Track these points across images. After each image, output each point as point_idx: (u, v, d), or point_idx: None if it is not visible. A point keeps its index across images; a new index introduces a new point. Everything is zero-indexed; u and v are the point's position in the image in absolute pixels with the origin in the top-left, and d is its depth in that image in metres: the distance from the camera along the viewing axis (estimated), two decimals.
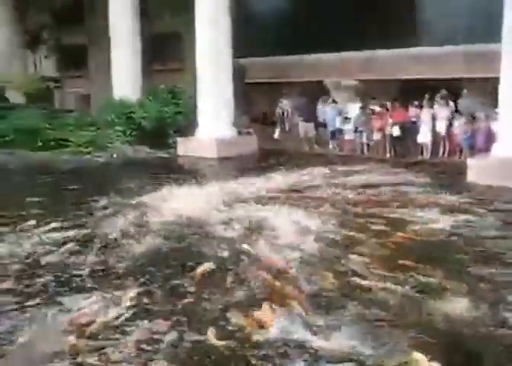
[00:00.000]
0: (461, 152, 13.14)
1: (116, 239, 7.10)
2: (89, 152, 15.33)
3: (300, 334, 4.38)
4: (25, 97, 20.57)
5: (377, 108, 14.64)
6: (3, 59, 22.58)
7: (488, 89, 11.89)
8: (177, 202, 8.81)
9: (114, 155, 15.16)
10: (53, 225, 7.76)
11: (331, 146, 15.57)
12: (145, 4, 17.90)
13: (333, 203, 8.89)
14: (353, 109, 15.24)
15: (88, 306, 5.04)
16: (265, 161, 13.94)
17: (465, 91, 14.04)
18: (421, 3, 15.82)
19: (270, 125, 17.27)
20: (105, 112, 17.03)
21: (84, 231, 7.54)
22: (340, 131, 15.24)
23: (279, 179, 11.06)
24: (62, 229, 7.62)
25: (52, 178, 12.22)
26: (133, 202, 9.05)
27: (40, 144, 15.80)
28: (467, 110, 13.39)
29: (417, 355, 4.02)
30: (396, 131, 13.85)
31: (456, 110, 13.71)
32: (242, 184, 10.56)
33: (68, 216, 8.38)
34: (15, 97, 20.75)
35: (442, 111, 13.61)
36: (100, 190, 10.07)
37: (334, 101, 15.86)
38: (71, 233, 7.40)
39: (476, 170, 10.52)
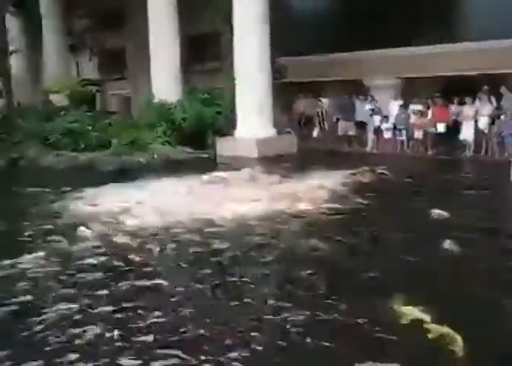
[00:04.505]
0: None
1: None
2: (130, 153, 15.58)
3: None
4: (68, 99, 21.02)
5: (418, 107, 14.47)
6: (49, 64, 23.18)
7: None
8: None
9: (155, 156, 15.36)
10: None
11: (370, 145, 15.46)
12: (184, 6, 18.05)
13: None
14: (393, 107, 15.11)
15: None
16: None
17: (503, 87, 13.68)
18: None
19: (310, 124, 17.22)
20: (145, 113, 17.28)
21: None
22: (380, 130, 15.12)
23: None
24: None
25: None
26: None
27: (83, 145, 16.18)
28: (510, 106, 13.08)
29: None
30: (441, 128, 13.70)
31: (500, 108, 13.40)
32: None
33: None
34: (59, 100, 21.25)
35: (484, 108, 13.35)
36: None
37: (373, 100, 15.74)
38: None
39: None
